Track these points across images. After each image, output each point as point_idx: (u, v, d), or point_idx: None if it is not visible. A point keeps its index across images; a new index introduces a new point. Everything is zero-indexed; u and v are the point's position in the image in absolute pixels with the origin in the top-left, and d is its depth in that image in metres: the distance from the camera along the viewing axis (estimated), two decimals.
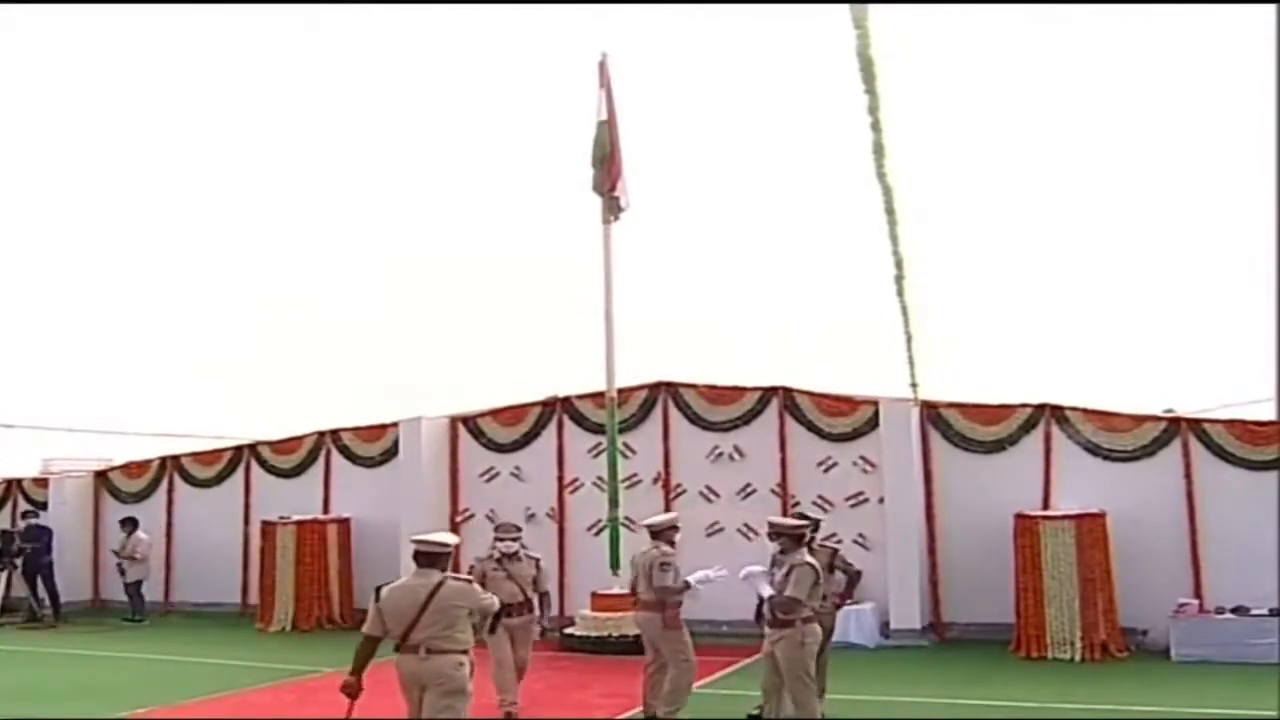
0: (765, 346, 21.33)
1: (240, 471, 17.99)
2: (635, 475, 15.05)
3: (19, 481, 19.79)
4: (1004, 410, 13.90)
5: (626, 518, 13.74)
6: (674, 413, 15.37)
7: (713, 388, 15.29)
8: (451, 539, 6.95)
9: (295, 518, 16.35)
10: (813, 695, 8.06)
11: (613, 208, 13.81)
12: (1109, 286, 21.71)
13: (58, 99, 26.27)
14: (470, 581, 6.85)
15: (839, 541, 14.47)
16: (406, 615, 6.41)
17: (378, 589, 6.77)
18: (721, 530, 14.50)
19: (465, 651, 6.51)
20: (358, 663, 6.48)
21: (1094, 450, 13.33)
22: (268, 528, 16.36)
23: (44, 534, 17.49)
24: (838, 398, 14.63)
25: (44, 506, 18.47)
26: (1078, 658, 12.09)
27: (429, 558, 6.64)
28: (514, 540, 9.83)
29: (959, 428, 14.03)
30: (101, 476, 19.36)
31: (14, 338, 24.88)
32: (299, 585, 15.92)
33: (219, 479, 18.16)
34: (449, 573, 6.67)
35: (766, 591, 8.18)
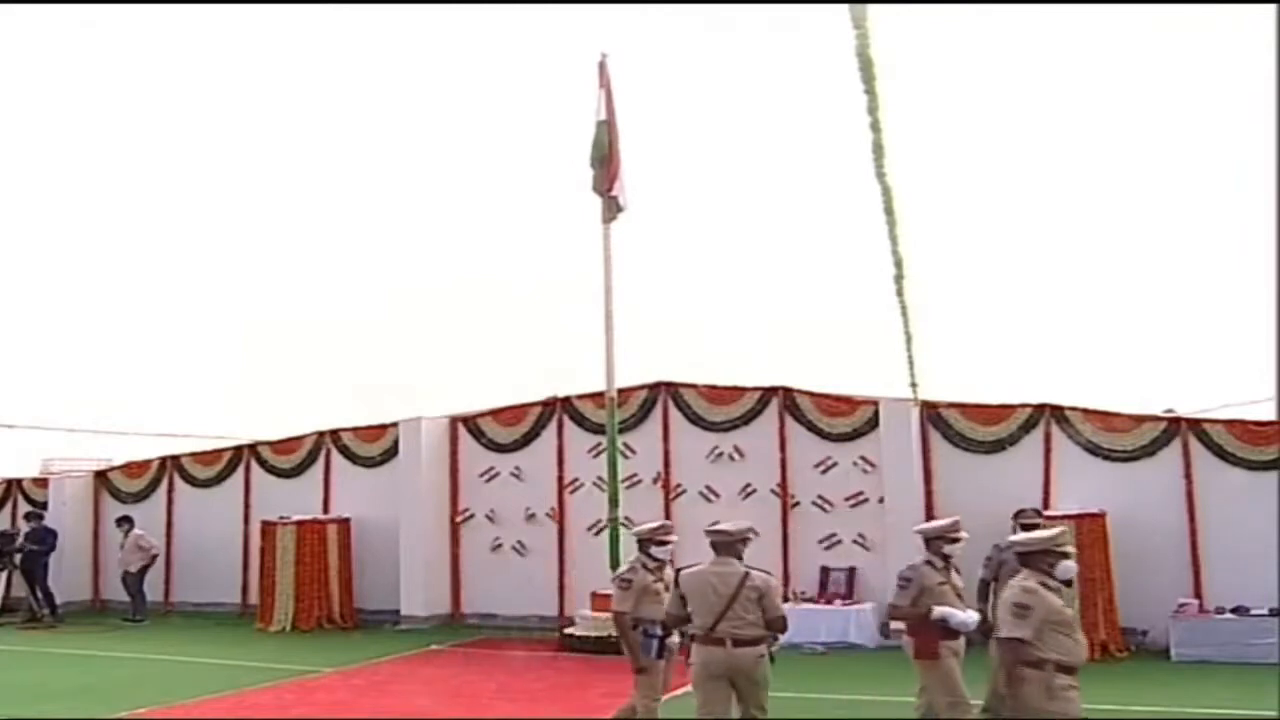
0: (765, 346, 21.33)
1: (240, 471, 17.97)
2: (635, 475, 15.04)
3: (19, 481, 19.78)
4: (1004, 410, 13.88)
5: (626, 517, 13.72)
6: (674, 413, 15.37)
7: (713, 388, 15.29)
8: (745, 524, 6.97)
9: (295, 518, 16.33)
10: None
11: (612, 208, 13.79)
12: (1109, 287, 21.73)
13: (57, 98, 26.28)
14: (769, 573, 6.77)
15: (839, 540, 14.55)
16: (715, 605, 6.46)
17: (677, 572, 6.93)
18: None
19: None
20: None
21: (1094, 450, 13.30)
22: (268, 528, 16.34)
23: (49, 536, 17.52)
24: (838, 398, 14.63)
25: (44, 506, 18.45)
26: None
27: (728, 546, 6.68)
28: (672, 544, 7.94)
29: (959, 428, 14.01)
30: (101, 476, 19.35)
31: (14, 337, 24.92)
32: (299, 585, 15.90)
33: (219, 479, 18.13)
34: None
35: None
